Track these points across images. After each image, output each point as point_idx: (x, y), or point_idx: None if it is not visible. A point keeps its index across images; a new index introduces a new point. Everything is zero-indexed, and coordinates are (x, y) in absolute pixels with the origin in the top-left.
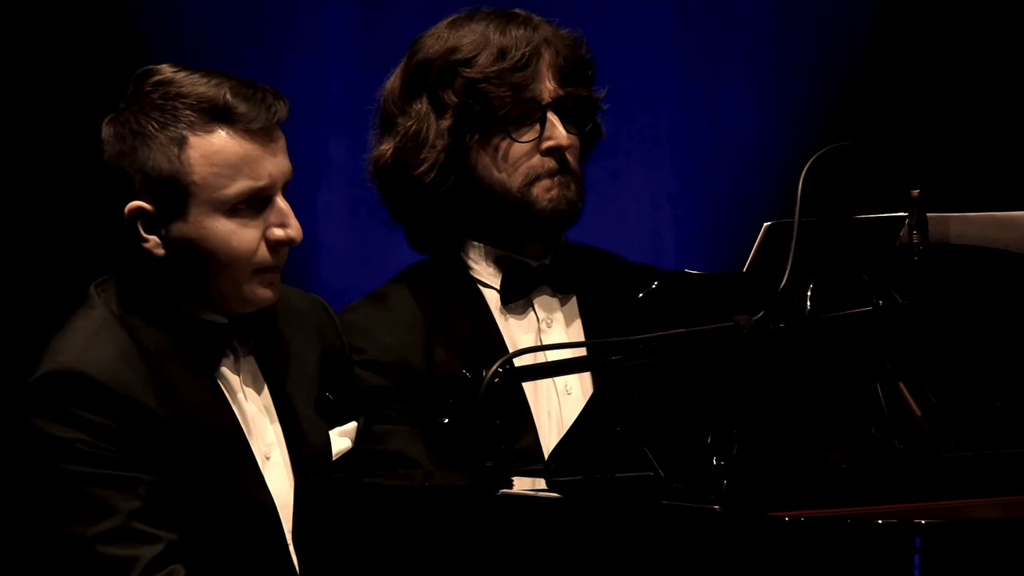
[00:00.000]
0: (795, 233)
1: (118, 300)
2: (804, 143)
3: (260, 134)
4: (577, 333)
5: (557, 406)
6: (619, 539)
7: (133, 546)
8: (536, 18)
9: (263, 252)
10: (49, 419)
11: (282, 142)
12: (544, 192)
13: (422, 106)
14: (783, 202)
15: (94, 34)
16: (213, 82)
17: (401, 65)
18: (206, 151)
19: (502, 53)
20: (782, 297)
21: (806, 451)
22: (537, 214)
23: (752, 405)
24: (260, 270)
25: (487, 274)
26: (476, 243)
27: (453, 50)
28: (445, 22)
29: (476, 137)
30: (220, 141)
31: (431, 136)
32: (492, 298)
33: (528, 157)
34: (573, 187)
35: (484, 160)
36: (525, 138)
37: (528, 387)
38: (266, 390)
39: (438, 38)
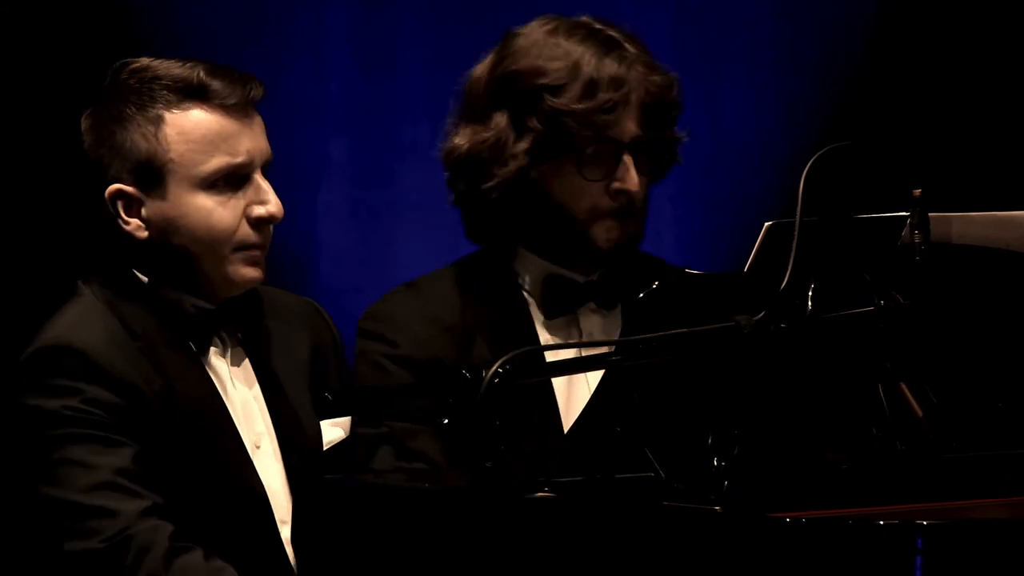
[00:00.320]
0: (796, 233)
1: (105, 289)
2: (804, 143)
3: (236, 110)
4: None
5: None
6: (620, 540)
7: (118, 498)
8: (632, 49)
9: (244, 229)
10: (36, 393)
11: (259, 121)
12: (605, 232)
13: (503, 120)
14: (783, 202)
15: (94, 34)
16: (188, 65)
17: (491, 60)
18: (182, 128)
19: (591, 90)
20: (783, 297)
21: (807, 452)
22: (594, 251)
23: (753, 406)
24: (243, 248)
25: (534, 286)
26: (528, 253)
27: (542, 72)
28: (543, 27)
29: (549, 163)
30: (196, 118)
31: (506, 154)
32: (536, 311)
33: (596, 194)
34: (633, 226)
35: (553, 184)
36: (596, 176)
37: (560, 389)
38: (255, 380)
39: (530, 48)
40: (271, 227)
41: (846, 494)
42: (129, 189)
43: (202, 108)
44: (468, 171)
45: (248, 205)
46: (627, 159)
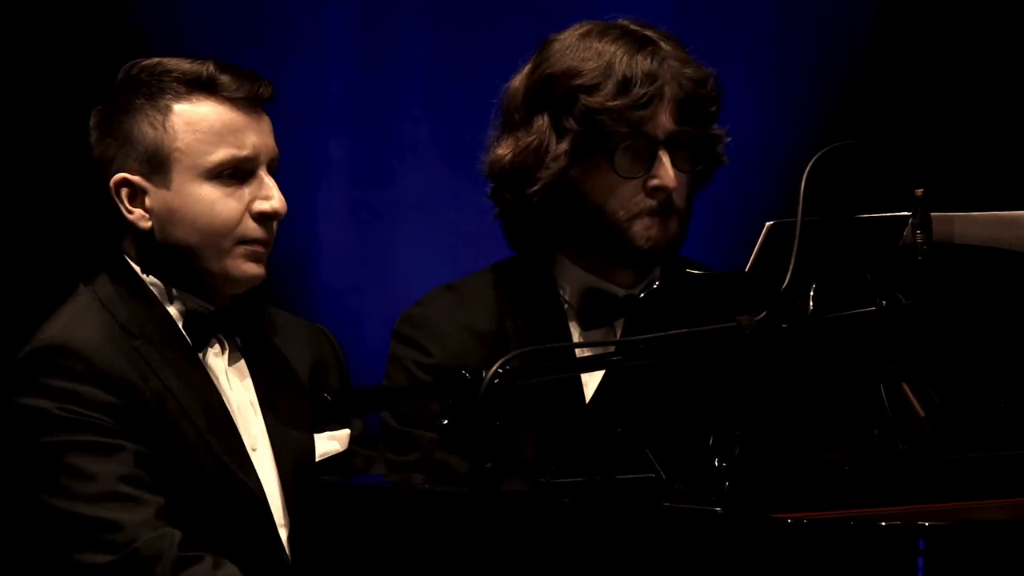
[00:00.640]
0: (798, 233)
1: (104, 288)
2: (804, 143)
3: (243, 105)
4: None
5: None
6: (621, 541)
7: (121, 508)
8: (666, 46)
9: (247, 223)
10: (33, 394)
11: (267, 121)
12: (643, 230)
13: (543, 123)
14: (784, 202)
15: (94, 34)
16: (198, 61)
17: (528, 68)
18: (190, 118)
19: (625, 86)
20: (784, 297)
21: (809, 452)
22: (633, 250)
23: (754, 406)
24: (244, 242)
25: (573, 297)
26: (568, 262)
27: (577, 73)
28: (577, 32)
29: (588, 163)
30: (204, 109)
31: (548, 156)
32: (574, 323)
33: (634, 192)
34: (674, 226)
35: (592, 184)
36: (633, 175)
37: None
38: (251, 385)
39: (565, 51)
40: (274, 225)
41: (848, 495)
42: (134, 178)
43: (211, 100)
44: (513, 179)
45: (252, 200)
46: (663, 155)
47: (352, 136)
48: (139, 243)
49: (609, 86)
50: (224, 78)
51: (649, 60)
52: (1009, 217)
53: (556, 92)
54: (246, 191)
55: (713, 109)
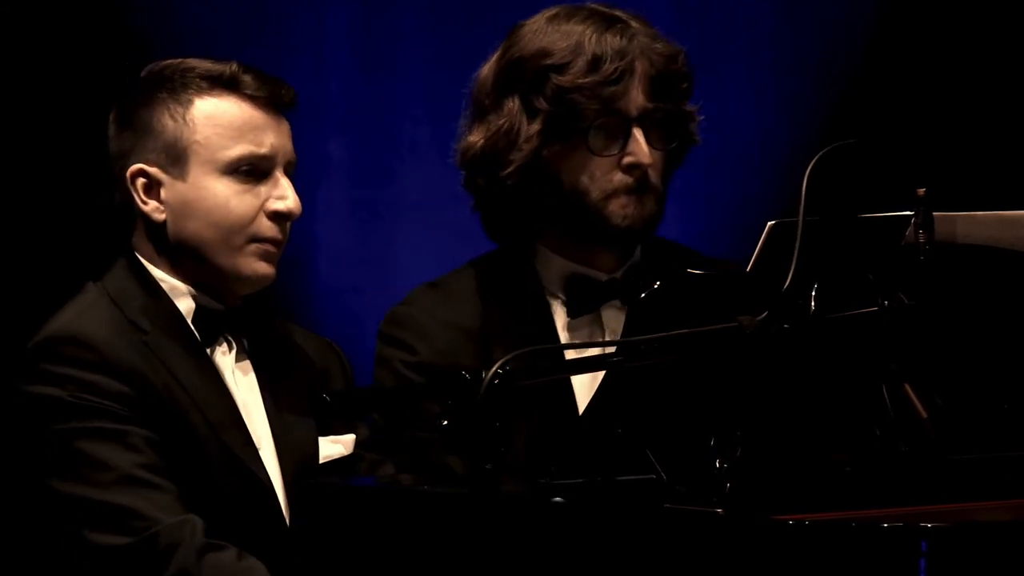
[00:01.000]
0: (800, 232)
1: (113, 282)
2: (804, 143)
3: (264, 104)
4: None
5: None
6: (621, 543)
7: (139, 494)
8: (635, 24)
9: (261, 221)
10: (38, 382)
11: (287, 125)
12: (620, 209)
13: (514, 105)
14: (784, 202)
15: (95, 34)
16: (222, 61)
17: (497, 55)
18: (211, 112)
19: (595, 64)
20: (786, 297)
21: (810, 454)
22: (610, 229)
23: (756, 407)
24: (257, 240)
25: (555, 285)
26: (548, 251)
27: (547, 53)
28: (545, 15)
29: (561, 143)
30: (225, 105)
31: (520, 138)
32: (559, 311)
33: (608, 171)
34: (650, 204)
35: (566, 166)
36: (606, 152)
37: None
38: (256, 385)
39: (535, 34)
40: (288, 226)
41: (849, 496)
42: (151, 169)
43: (232, 97)
44: (486, 164)
45: (267, 199)
46: (637, 132)
47: (352, 136)
48: (151, 237)
49: (580, 64)
50: (247, 77)
51: (619, 37)
52: (1012, 217)
53: (526, 74)
54: (262, 190)
55: (685, 86)
